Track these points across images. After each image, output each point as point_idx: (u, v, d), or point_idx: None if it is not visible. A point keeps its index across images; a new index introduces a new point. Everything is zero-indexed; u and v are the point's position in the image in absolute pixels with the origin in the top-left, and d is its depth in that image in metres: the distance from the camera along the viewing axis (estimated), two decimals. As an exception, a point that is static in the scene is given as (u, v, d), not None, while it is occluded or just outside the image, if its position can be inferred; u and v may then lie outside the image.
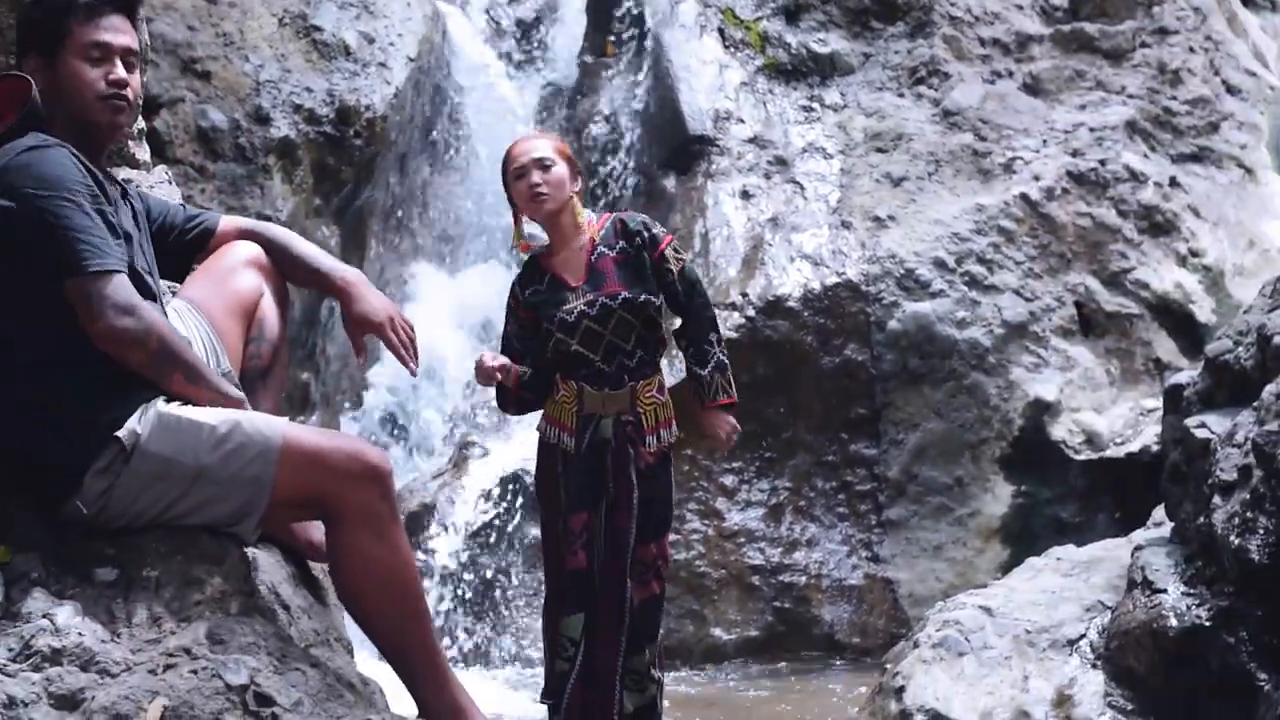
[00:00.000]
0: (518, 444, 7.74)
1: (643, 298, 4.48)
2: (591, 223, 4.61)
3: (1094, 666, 5.04)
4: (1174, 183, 8.68)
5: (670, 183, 8.67)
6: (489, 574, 7.52)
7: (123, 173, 4.02)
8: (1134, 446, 7.80)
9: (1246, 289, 8.14)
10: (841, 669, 7.50)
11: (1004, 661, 5.25)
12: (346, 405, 8.31)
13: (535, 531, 7.37)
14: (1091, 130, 8.70)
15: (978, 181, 8.46)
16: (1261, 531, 4.21)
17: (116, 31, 3.69)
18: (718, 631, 7.66)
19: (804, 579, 7.79)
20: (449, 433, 8.32)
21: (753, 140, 8.68)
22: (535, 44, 9.91)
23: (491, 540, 7.58)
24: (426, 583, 7.08)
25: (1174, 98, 9.00)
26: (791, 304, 7.94)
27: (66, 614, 3.25)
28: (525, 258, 4.69)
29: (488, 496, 7.67)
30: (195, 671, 3.19)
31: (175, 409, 3.52)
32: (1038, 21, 9.17)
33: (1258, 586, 4.28)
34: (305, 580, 4.02)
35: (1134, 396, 8.11)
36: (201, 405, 3.55)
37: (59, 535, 3.49)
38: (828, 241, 8.18)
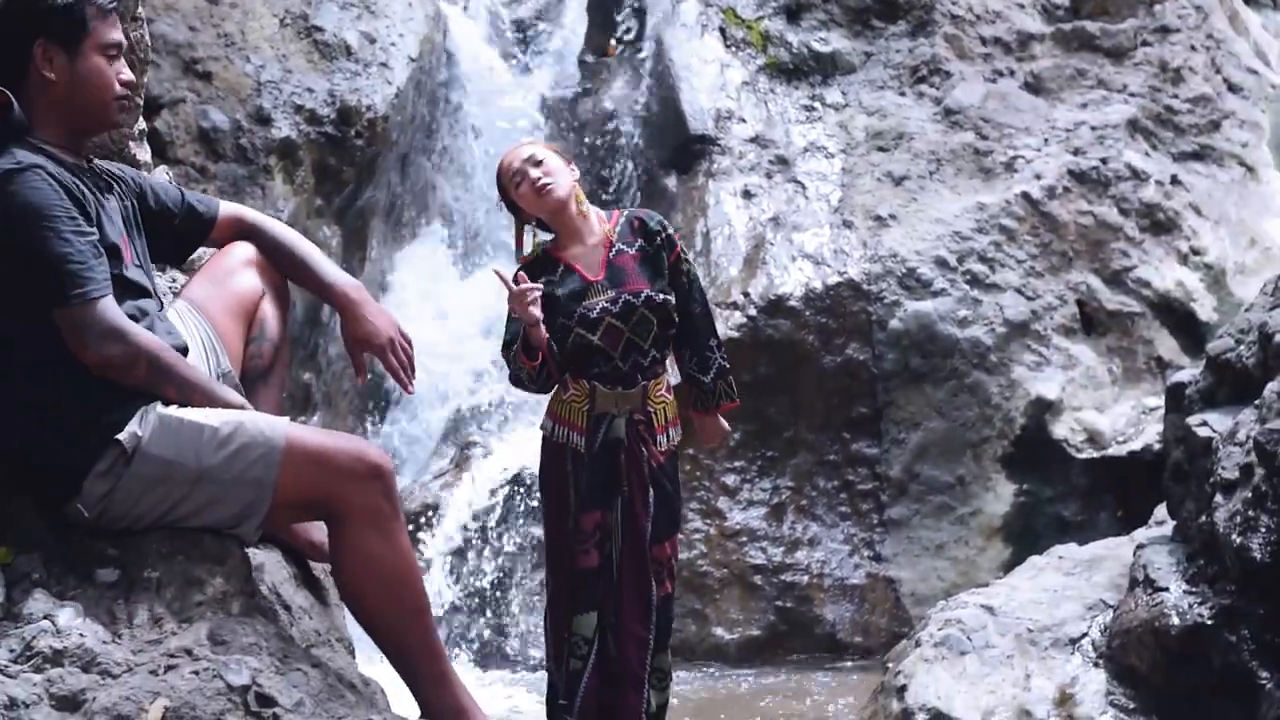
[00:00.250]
0: (520, 443, 7.74)
1: (662, 297, 4.46)
2: (603, 219, 4.60)
3: (1096, 665, 5.04)
4: (1175, 181, 8.67)
5: (672, 182, 8.67)
6: (491, 574, 7.52)
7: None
8: (1136, 445, 7.80)
9: (1248, 287, 8.13)
10: (843, 668, 7.50)
11: (1006, 660, 5.25)
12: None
13: (537, 531, 7.38)
14: (1093, 129, 8.69)
15: (979, 180, 8.46)
16: (1263, 530, 4.21)
17: (121, 31, 3.69)
18: (719, 631, 7.67)
19: (806, 578, 7.79)
20: (451, 433, 8.31)
21: (754, 139, 8.68)
22: (536, 43, 9.90)
23: (494, 540, 7.58)
24: (428, 582, 7.07)
25: (1175, 96, 9.00)
26: (793, 303, 7.95)
27: (68, 615, 3.25)
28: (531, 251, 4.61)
29: (490, 496, 7.67)
30: (197, 672, 3.19)
31: (176, 411, 3.52)
32: (1039, 20, 9.17)
33: (1260, 585, 4.28)
34: (307, 580, 4.02)
35: (1136, 395, 8.11)
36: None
37: (60, 536, 3.49)
38: (829, 241, 8.18)
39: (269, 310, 4.01)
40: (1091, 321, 8.27)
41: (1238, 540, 4.29)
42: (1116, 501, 7.78)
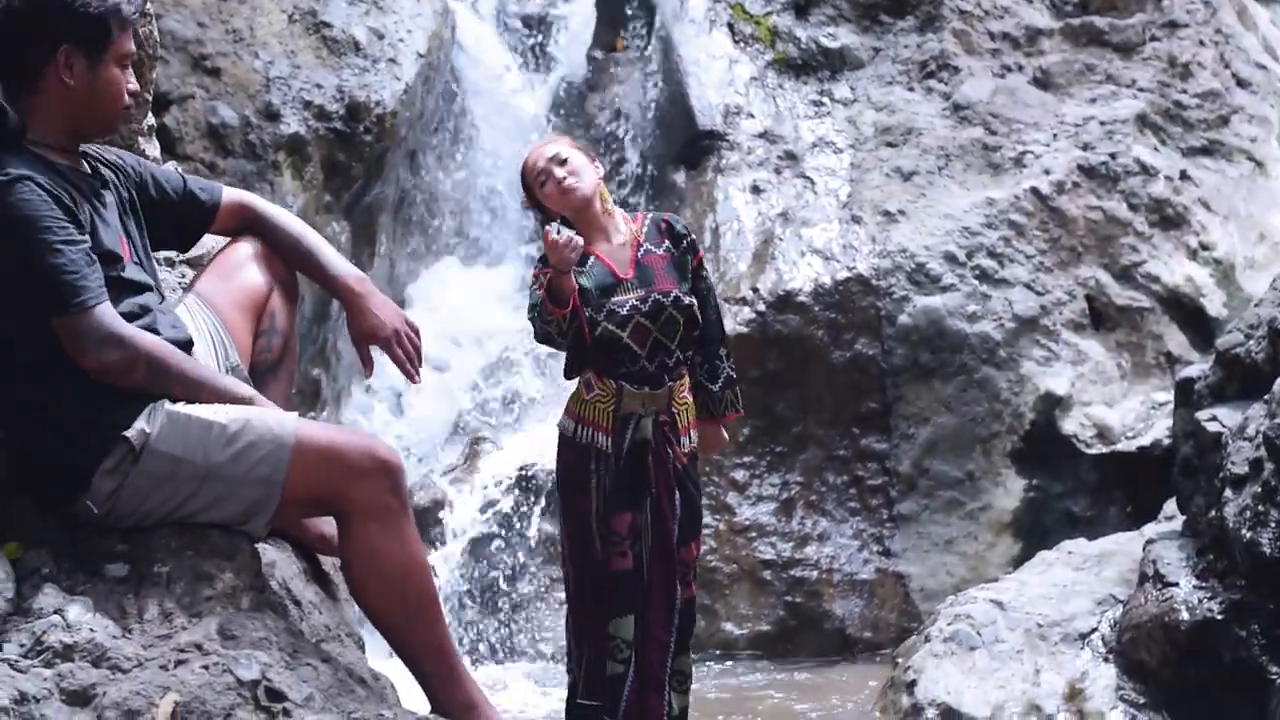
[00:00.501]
0: (529, 439, 7.74)
1: (689, 300, 4.45)
2: (628, 219, 4.57)
3: (1105, 660, 5.04)
4: (1184, 176, 8.66)
5: (680, 178, 8.67)
6: (501, 569, 7.52)
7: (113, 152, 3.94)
8: (1145, 440, 7.79)
9: (1257, 282, 8.12)
10: (853, 663, 7.50)
11: (1015, 655, 5.26)
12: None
13: (548, 527, 7.39)
14: (1102, 124, 8.68)
15: (988, 175, 8.45)
16: (1273, 525, 4.21)
17: (133, 41, 3.71)
18: (729, 626, 7.67)
19: (815, 573, 7.79)
20: (460, 428, 8.31)
21: (763, 135, 8.67)
22: (545, 39, 9.90)
23: (504, 535, 7.58)
24: (438, 578, 7.08)
25: (1184, 91, 8.98)
26: (802, 299, 7.94)
27: (77, 610, 3.25)
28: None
29: (500, 491, 7.67)
30: (206, 667, 3.20)
31: (185, 408, 3.51)
32: (1047, 15, 9.15)
33: (1269, 580, 4.28)
34: (316, 575, 4.03)
35: (1145, 390, 8.10)
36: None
37: (70, 531, 3.50)
38: (838, 236, 8.18)
39: (277, 304, 4.01)
40: (1101, 317, 8.25)
41: (1247, 535, 4.29)
42: (1126, 497, 7.77)
